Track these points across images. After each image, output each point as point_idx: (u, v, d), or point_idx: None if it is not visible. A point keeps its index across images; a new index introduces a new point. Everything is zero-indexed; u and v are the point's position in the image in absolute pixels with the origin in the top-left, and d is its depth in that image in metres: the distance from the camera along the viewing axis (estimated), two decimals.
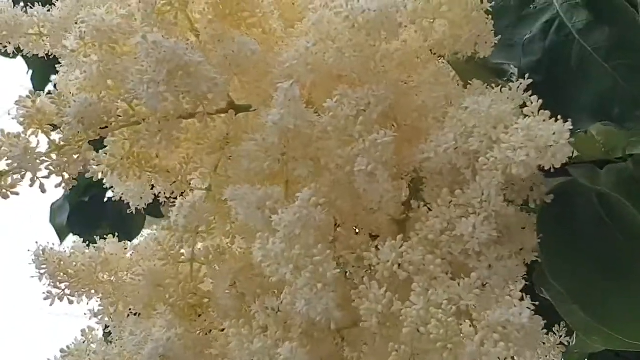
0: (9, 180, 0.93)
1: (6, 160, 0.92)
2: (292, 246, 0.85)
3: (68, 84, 1.00)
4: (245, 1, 0.96)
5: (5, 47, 1.10)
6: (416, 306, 0.84)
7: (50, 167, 0.93)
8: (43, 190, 0.93)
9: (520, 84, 0.90)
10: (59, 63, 1.05)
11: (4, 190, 0.93)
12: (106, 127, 0.94)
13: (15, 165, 0.91)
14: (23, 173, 0.92)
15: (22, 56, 1.09)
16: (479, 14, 0.95)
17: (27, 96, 0.94)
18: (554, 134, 0.82)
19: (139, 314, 1.03)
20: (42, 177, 0.93)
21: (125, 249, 1.08)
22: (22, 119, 0.94)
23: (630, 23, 0.96)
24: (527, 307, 0.82)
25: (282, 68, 0.93)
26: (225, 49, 0.93)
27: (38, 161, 0.92)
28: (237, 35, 0.94)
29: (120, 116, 0.94)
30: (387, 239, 0.89)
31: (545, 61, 0.97)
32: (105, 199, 4.31)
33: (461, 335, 0.83)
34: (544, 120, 0.84)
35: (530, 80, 0.90)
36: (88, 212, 3.85)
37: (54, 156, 0.93)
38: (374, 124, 0.90)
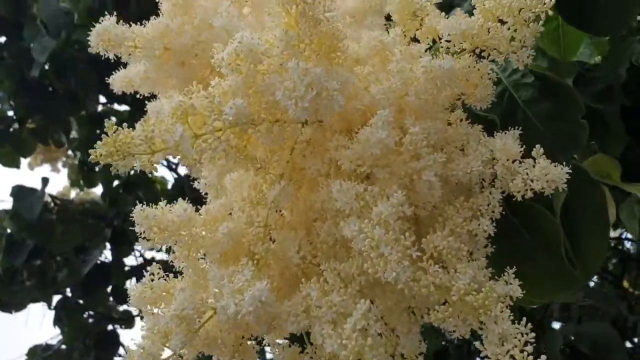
0: (159, 156, 0.65)
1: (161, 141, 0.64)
2: (387, 231, 0.66)
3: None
4: (338, 49, 0.73)
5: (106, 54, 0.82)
6: (463, 280, 0.68)
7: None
8: (177, 172, 0.66)
9: (514, 132, 0.77)
10: None
11: (151, 163, 0.65)
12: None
13: (172, 146, 0.63)
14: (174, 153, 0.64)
15: None
16: (487, 81, 0.80)
17: (181, 99, 0.66)
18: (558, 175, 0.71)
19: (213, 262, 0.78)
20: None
21: (197, 211, 0.80)
22: (174, 112, 0.65)
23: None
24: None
25: (369, 99, 0.73)
26: (337, 80, 0.69)
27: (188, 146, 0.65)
28: (341, 70, 0.71)
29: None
30: (436, 232, 0.72)
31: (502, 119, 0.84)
32: None
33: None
34: (549, 164, 0.72)
35: (521, 132, 0.77)
36: None
37: (200, 142, 0.66)
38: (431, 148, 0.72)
